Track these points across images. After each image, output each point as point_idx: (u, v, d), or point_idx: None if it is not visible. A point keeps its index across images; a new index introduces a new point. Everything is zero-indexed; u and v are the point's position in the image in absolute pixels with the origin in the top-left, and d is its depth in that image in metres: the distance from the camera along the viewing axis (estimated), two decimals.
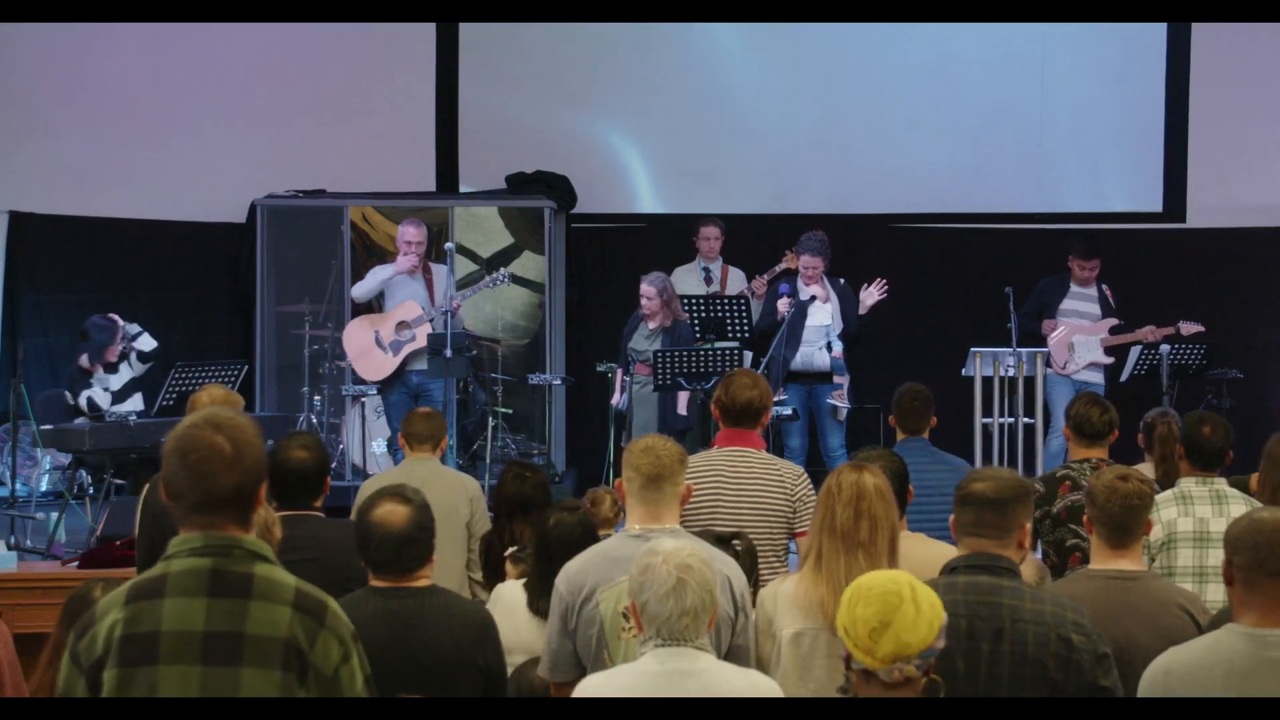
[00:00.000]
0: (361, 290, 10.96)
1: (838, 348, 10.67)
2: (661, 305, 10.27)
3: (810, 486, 5.89)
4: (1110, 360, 11.46)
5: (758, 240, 12.13)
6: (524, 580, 5.57)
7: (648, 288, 10.36)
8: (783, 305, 10.38)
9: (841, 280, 10.73)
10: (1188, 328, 11.31)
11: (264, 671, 3.37)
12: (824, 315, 10.56)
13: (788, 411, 10.36)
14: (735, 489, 5.84)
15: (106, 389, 10.36)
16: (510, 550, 5.99)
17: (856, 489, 4.76)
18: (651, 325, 10.36)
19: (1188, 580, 5.79)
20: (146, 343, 10.48)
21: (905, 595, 3.66)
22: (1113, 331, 11.43)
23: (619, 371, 10.66)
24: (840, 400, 10.74)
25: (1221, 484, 6.04)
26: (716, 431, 6.18)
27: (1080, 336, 11.22)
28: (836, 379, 10.68)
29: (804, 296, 10.49)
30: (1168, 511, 5.95)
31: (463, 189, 12.88)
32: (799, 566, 4.91)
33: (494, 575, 6.25)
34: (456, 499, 7.16)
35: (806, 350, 10.52)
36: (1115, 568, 4.86)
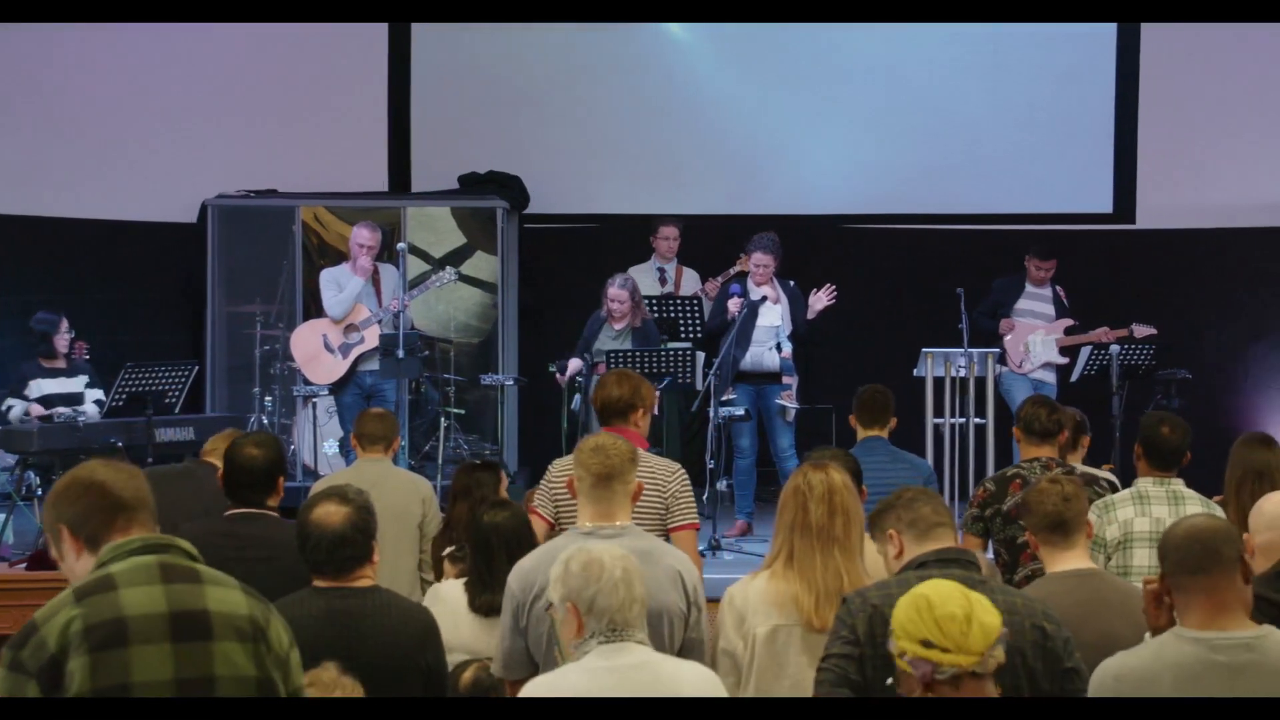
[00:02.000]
0: (340, 308, 10.75)
1: (787, 348, 10.69)
2: (633, 307, 10.25)
3: (686, 482, 5.97)
4: (1065, 360, 11.52)
5: (711, 241, 12.13)
6: (464, 580, 5.57)
7: (618, 290, 10.29)
8: (733, 305, 10.39)
9: (791, 282, 10.75)
10: (1140, 330, 11.38)
11: (235, 644, 3.43)
12: (774, 316, 10.57)
13: (739, 412, 10.37)
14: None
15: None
16: (448, 550, 5.99)
17: (828, 485, 4.81)
18: (618, 326, 10.31)
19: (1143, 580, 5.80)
20: (92, 405, 10.38)
21: (960, 589, 3.75)
22: (1068, 332, 11.50)
23: (566, 372, 10.59)
24: (789, 401, 10.75)
25: (1179, 484, 6.07)
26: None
27: (1036, 336, 11.27)
28: (785, 379, 10.69)
29: (754, 297, 10.50)
30: (1124, 511, 5.98)
31: (415, 189, 12.84)
32: (764, 566, 4.91)
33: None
34: (408, 500, 7.15)
35: (756, 350, 10.53)
36: (1072, 567, 4.93)
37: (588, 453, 4.91)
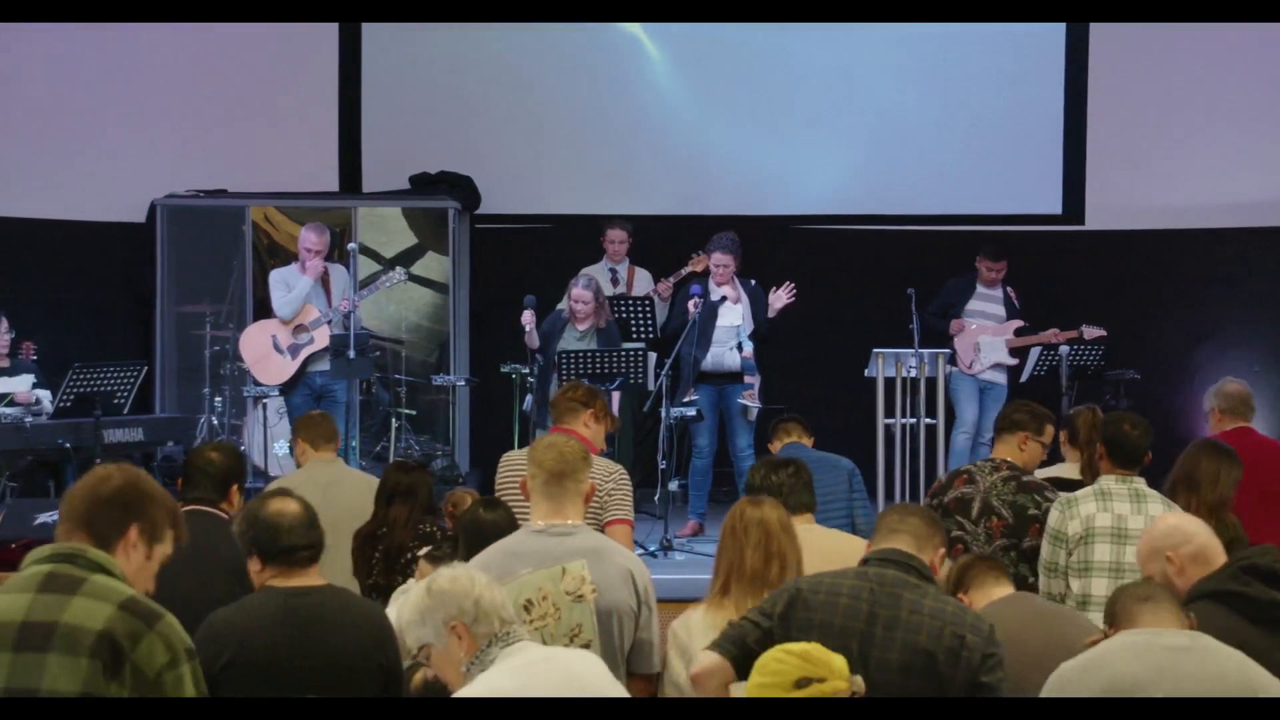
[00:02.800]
0: (288, 309, 10.67)
1: (748, 348, 10.70)
2: (597, 308, 10.20)
3: (624, 480, 6.12)
4: (1014, 361, 11.57)
5: (664, 241, 12.13)
6: None
7: (582, 291, 10.21)
8: (691, 306, 10.40)
9: (752, 281, 10.75)
10: (1090, 332, 11.44)
11: (70, 659, 3.48)
12: (734, 316, 10.57)
13: (691, 413, 10.37)
14: None
15: None
16: (426, 550, 5.96)
17: (763, 530, 4.91)
18: (582, 327, 10.24)
19: (1104, 575, 5.87)
20: (45, 402, 10.31)
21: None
22: (1018, 333, 11.54)
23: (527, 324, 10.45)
24: (751, 400, 10.76)
25: (1140, 483, 6.10)
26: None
27: (986, 337, 11.32)
28: (747, 379, 10.71)
29: (715, 297, 10.50)
30: (1086, 507, 6.01)
31: (366, 189, 12.79)
32: (707, 596, 4.99)
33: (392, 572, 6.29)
34: (365, 499, 7.12)
35: (717, 351, 10.53)
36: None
37: (542, 449, 4.96)
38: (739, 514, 4.95)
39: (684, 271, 11.35)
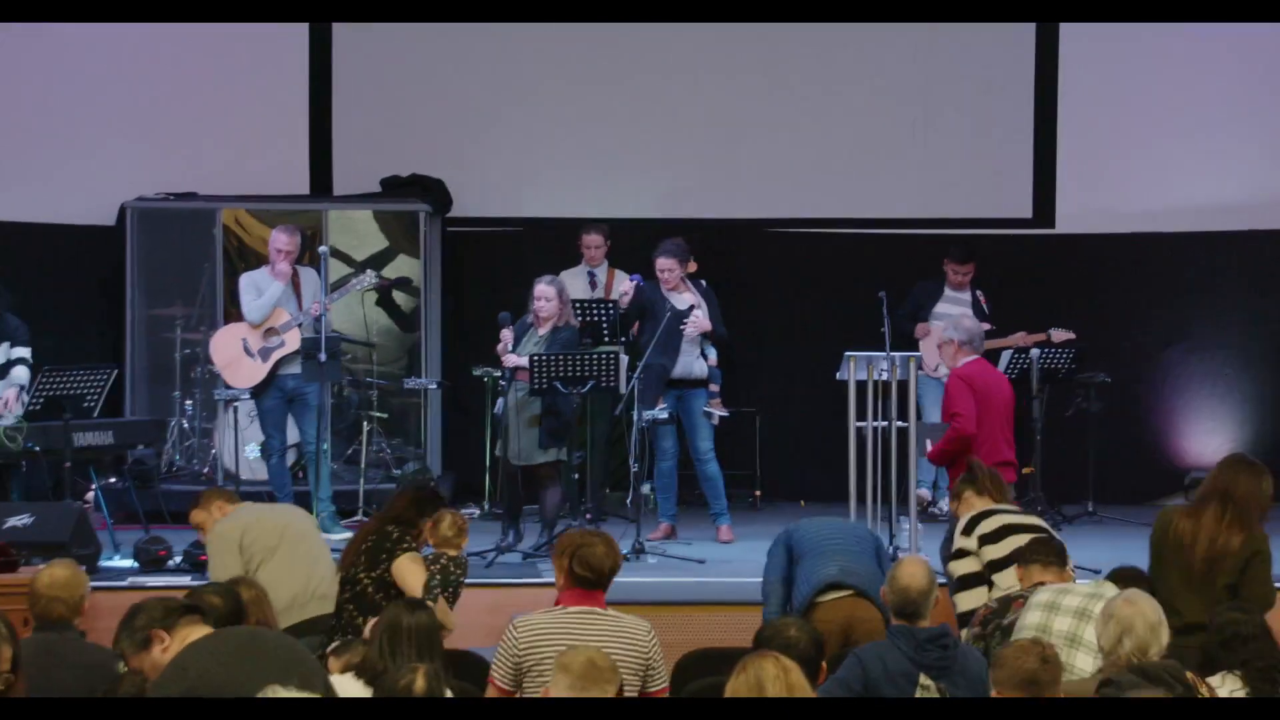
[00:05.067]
0: (258, 313, 10.57)
1: (712, 355, 10.70)
2: (560, 306, 10.04)
3: (658, 640, 5.91)
4: None
5: (639, 244, 12.08)
6: (350, 673, 5.46)
7: (546, 288, 10.00)
8: (626, 286, 10.42)
9: (703, 282, 10.73)
10: (1059, 335, 11.45)
11: None
12: (701, 322, 10.53)
13: (664, 415, 10.36)
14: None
15: None
16: (333, 645, 5.92)
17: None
18: (542, 331, 10.03)
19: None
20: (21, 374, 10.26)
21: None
22: (985, 336, 11.56)
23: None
24: (717, 408, 10.78)
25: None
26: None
27: None
28: (712, 387, 10.72)
29: (681, 306, 10.48)
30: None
31: (337, 192, 12.74)
32: None
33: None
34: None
35: (685, 360, 10.52)
36: None
37: (580, 667, 4.82)
38: (756, 665, 4.70)
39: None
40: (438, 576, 6.95)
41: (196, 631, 4.75)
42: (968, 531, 7.29)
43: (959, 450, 8.72)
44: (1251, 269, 12.76)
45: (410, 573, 6.97)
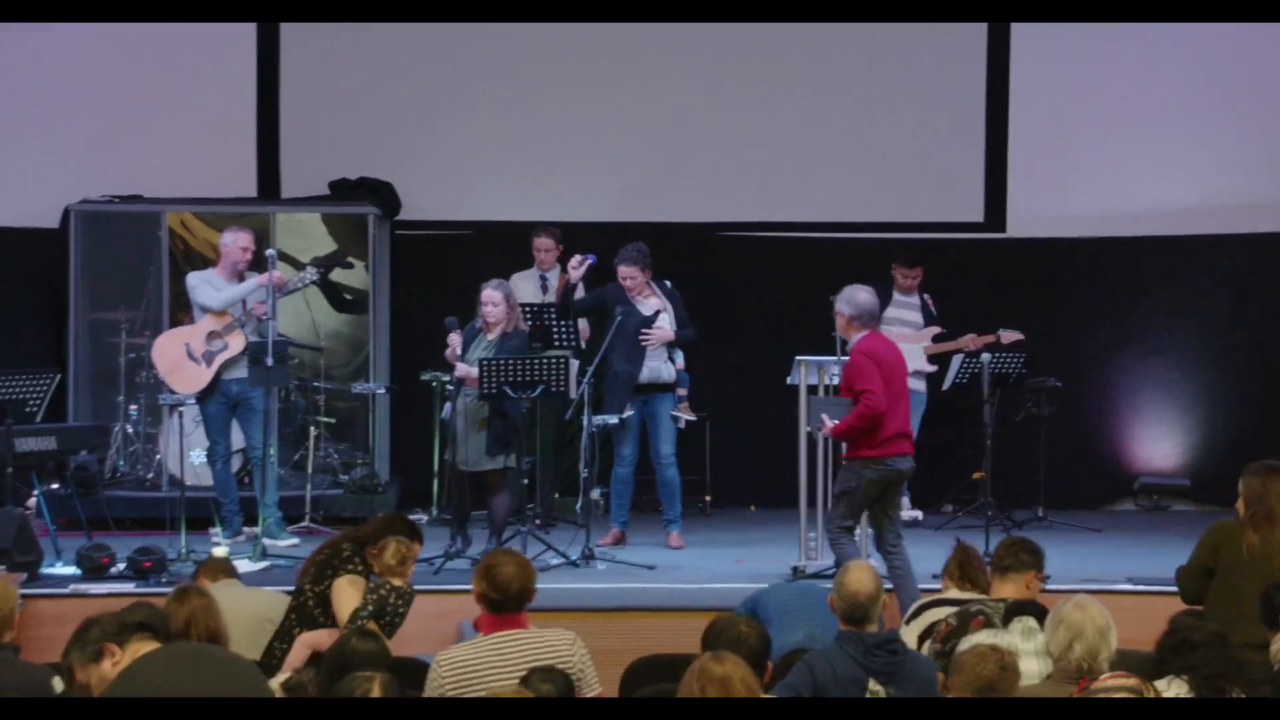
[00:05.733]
0: (221, 301, 10.35)
1: (679, 359, 10.65)
2: (508, 310, 9.94)
3: (584, 648, 5.87)
4: (933, 368, 11.60)
5: (589, 248, 12.00)
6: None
7: (493, 293, 9.88)
8: (573, 263, 10.38)
9: (667, 283, 10.68)
10: (1007, 335, 11.48)
11: None
12: (664, 326, 10.47)
13: (614, 421, 10.28)
14: (511, 676, 5.59)
15: None
16: (284, 678, 5.83)
17: (724, 692, 4.71)
18: (491, 336, 9.90)
19: None
20: None
21: None
22: (935, 339, 11.57)
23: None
24: (685, 413, 10.74)
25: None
26: None
27: (903, 345, 11.29)
28: (680, 390, 10.68)
29: (647, 312, 10.43)
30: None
31: (285, 195, 12.65)
32: None
33: None
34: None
35: (652, 364, 10.46)
36: None
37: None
38: (701, 669, 4.77)
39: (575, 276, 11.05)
40: (370, 607, 6.65)
41: (147, 647, 4.83)
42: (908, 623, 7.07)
43: (867, 427, 8.64)
44: (1201, 273, 12.78)
45: (344, 595, 6.79)
